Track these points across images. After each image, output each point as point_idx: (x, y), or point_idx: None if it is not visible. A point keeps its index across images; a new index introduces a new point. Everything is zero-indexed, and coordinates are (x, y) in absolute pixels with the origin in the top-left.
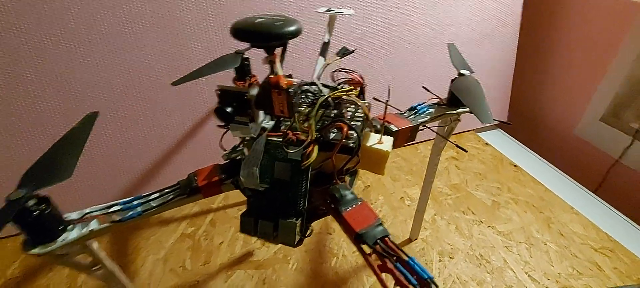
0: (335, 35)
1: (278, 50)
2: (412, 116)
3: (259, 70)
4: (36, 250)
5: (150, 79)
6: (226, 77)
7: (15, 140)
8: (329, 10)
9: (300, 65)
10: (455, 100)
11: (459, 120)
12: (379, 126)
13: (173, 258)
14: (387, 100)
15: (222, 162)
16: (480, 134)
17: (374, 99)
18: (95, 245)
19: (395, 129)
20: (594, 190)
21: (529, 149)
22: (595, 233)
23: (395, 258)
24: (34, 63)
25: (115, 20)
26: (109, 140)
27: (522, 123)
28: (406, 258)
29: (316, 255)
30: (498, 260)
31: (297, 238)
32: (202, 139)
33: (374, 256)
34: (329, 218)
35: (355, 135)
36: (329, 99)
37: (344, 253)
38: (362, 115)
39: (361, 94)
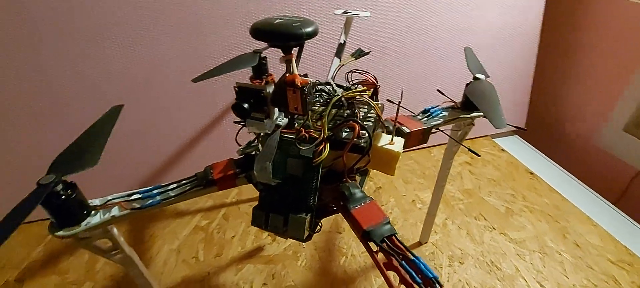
0: (354, 36)
1: (295, 50)
2: (425, 119)
3: (275, 69)
4: (61, 232)
5: (171, 74)
6: (243, 76)
7: (37, 127)
8: (345, 13)
9: (316, 65)
10: (470, 104)
11: (473, 125)
12: (391, 127)
13: (186, 249)
14: (400, 102)
15: (237, 157)
16: (496, 140)
17: (387, 100)
18: (115, 230)
19: (407, 130)
20: (614, 201)
21: (546, 157)
22: (613, 245)
23: (401, 257)
24: (56, 54)
25: (136, 14)
26: (131, 132)
27: (541, 130)
28: (412, 257)
29: (325, 253)
30: (509, 268)
31: (306, 233)
32: (218, 135)
33: (380, 254)
34: (340, 217)
35: (367, 135)
36: (342, 98)
37: (353, 252)
38: (375, 115)
39: (374, 95)
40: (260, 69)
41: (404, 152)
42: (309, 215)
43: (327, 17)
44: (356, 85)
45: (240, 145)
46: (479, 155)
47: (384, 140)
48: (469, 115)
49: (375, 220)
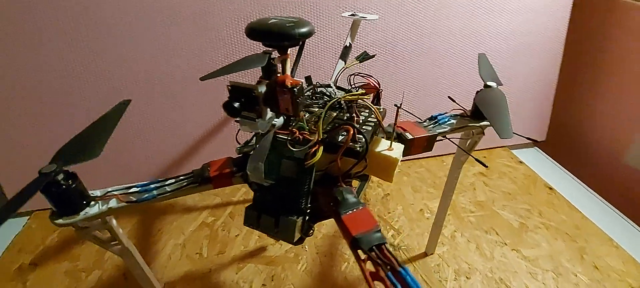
0: (367, 39)
1: (291, 51)
2: (432, 126)
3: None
4: (60, 221)
5: (179, 71)
6: (254, 76)
7: (49, 119)
8: (353, 15)
9: (325, 67)
10: (479, 112)
11: (483, 134)
12: (395, 133)
13: (191, 245)
14: (400, 104)
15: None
16: (514, 151)
17: (395, 105)
18: (114, 222)
19: (410, 137)
20: None
21: (567, 171)
22: (636, 270)
23: (388, 267)
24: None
25: (147, 9)
26: (141, 127)
27: (563, 143)
28: (399, 269)
29: (328, 258)
30: (519, 287)
31: (297, 236)
32: (226, 133)
33: (369, 263)
34: None
35: (364, 139)
36: (342, 101)
37: (355, 259)
38: (375, 120)
39: (377, 99)
40: (270, 70)
41: (414, 159)
42: (300, 218)
43: (339, 18)
44: (358, 89)
45: (240, 144)
46: (487, 166)
47: (383, 145)
48: (477, 124)
49: (366, 227)
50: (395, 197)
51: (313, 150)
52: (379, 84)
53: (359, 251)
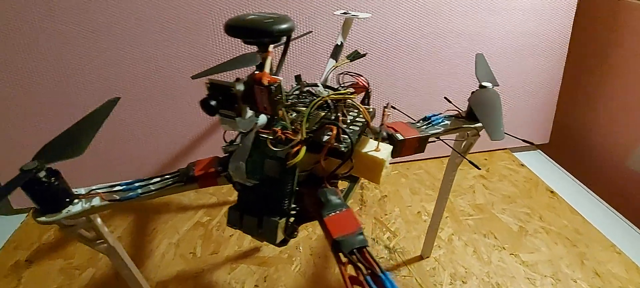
0: (362, 39)
1: (272, 48)
2: (425, 127)
3: (284, 72)
4: (43, 218)
5: (173, 70)
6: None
7: (49, 119)
8: (345, 13)
9: (317, 67)
10: (474, 113)
11: (479, 136)
12: (384, 133)
13: (185, 244)
14: (388, 104)
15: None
16: (516, 154)
17: (391, 106)
18: (98, 220)
19: (400, 137)
20: None
21: (570, 175)
22: (639, 278)
23: (369, 271)
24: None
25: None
26: (135, 125)
27: (567, 146)
28: (379, 273)
29: (322, 259)
30: None
31: (280, 237)
32: (220, 134)
33: (350, 266)
34: None
35: (349, 139)
36: (328, 100)
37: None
38: (363, 120)
39: (367, 99)
40: (262, 69)
41: (412, 160)
42: (283, 219)
43: (339, 18)
44: (346, 88)
45: (226, 142)
46: (480, 169)
47: (370, 146)
48: (472, 125)
49: (348, 230)
50: (393, 198)
51: (295, 150)
52: (368, 83)
53: (340, 254)
